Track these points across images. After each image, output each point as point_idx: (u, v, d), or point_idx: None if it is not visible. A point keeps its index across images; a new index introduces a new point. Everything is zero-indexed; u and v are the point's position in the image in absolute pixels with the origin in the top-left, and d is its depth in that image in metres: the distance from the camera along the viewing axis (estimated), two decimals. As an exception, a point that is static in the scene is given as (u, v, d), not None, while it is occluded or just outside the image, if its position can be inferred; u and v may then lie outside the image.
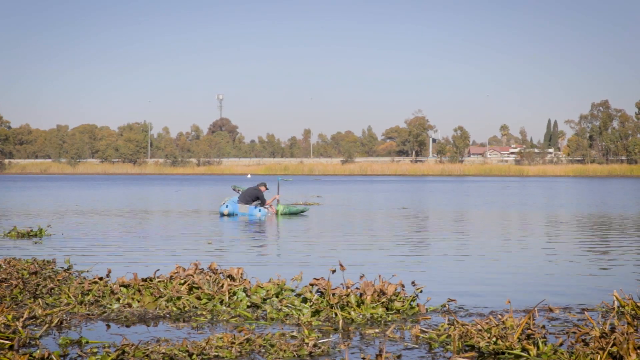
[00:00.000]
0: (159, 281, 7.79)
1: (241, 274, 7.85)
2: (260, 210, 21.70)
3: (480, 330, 5.96)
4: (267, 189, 22.37)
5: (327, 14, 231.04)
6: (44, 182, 64.97)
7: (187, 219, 20.93)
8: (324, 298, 7.10)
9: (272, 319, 6.89)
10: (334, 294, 7.06)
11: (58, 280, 8.32)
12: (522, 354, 5.65)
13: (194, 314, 7.07)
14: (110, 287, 7.65)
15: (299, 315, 6.92)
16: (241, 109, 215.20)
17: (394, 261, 11.49)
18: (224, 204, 21.88)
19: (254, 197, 21.97)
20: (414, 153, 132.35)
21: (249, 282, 7.76)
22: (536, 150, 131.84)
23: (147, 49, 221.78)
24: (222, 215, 21.59)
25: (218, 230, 17.48)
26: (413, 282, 7.51)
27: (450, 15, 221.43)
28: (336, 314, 6.85)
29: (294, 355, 5.65)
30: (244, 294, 7.48)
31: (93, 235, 15.38)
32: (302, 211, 22.65)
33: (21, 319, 6.26)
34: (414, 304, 7.27)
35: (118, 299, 7.44)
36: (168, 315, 7.04)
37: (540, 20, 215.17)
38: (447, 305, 7.37)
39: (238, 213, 21.65)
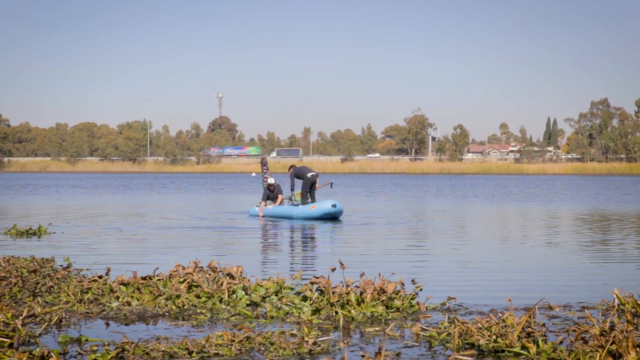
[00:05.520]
0: (158, 279, 7.78)
1: (240, 272, 7.84)
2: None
3: (480, 328, 5.95)
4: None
5: (327, 13, 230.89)
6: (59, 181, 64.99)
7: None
8: (324, 296, 7.10)
9: (272, 317, 6.88)
10: (334, 292, 7.05)
11: (57, 278, 8.31)
12: (522, 352, 5.64)
13: (194, 312, 7.06)
14: (110, 285, 7.64)
15: (299, 313, 6.92)
16: (241, 107, 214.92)
17: (393, 260, 11.48)
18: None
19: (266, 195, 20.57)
20: (413, 151, 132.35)
21: (249, 280, 7.75)
22: (535, 149, 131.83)
23: (146, 48, 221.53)
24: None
25: (213, 229, 17.48)
26: (413, 281, 7.50)
27: (450, 14, 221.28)
28: (336, 312, 6.85)
29: (294, 353, 5.64)
30: (243, 292, 7.47)
31: (92, 234, 15.37)
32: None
33: (20, 317, 6.25)
34: (414, 302, 7.27)
35: (117, 297, 7.44)
36: (167, 314, 7.03)
37: (540, 19, 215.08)
38: (447, 304, 7.36)
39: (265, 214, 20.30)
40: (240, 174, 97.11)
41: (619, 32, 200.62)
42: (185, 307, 7.20)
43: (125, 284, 7.68)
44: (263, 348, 5.75)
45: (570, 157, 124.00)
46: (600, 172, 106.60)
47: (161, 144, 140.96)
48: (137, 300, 7.35)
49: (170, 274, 7.87)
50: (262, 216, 20.16)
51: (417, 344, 5.99)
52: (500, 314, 6.28)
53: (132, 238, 14.62)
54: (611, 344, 5.29)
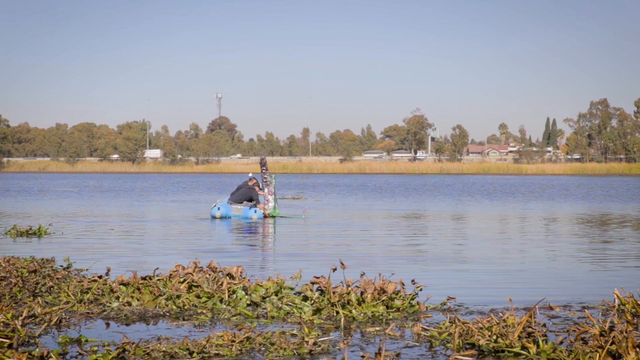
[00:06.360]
0: (159, 279, 7.77)
1: (240, 272, 7.83)
2: (256, 212, 19.98)
3: (480, 328, 5.95)
4: (260, 188, 20.53)
5: (326, 14, 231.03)
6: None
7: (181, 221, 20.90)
8: (324, 296, 7.09)
9: (272, 317, 6.88)
10: (334, 292, 7.05)
11: (57, 278, 8.30)
12: (522, 352, 5.64)
13: (194, 313, 7.05)
14: (110, 285, 7.63)
15: (300, 313, 6.91)
16: (240, 108, 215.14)
17: (393, 259, 11.48)
18: (215, 205, 20.22)
19: (248, 197, 20.24)
20: (412, 151, 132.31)
21: (249, 280, 7.74)
22: (535, 149, 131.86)
23: (146, 48, 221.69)
24: (214, 218, 19.84)
25: (215, 230, 17.47)
26: (413, 281, 7.50)
27: (449, 14, 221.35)
28: (337, 312, 6.84)
29: (294, 354, 5.64)
30: (243, 293, 7.46)
31: (92, 234, 15.36)
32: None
33: (20, 318, 6.24)
34: (414, 302, 7.27)
35: (117, 298, 7.43)
36: (168, 314, 7.02)
37: (539, 19, 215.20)
38: (447, 304, 7.36)
39: (231, 215, 20.00)
40: (239, 174, 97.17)
41: (618, 33, 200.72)
42: (185, 307, 7.19)
43: (126, 284, 7.67)
44: (264, 348, 5.74)
45: (569, 157, 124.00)
46: (599, 173, 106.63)
47: (160, 144, 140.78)
48: (138, 300, 7.34)
49: (170, 274, 7.86)
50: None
51: (417, 343, 5.99)
52: (500, 314, 6.28)
53: (132, 238, 14.61)
54: (611, 344, 5.28)
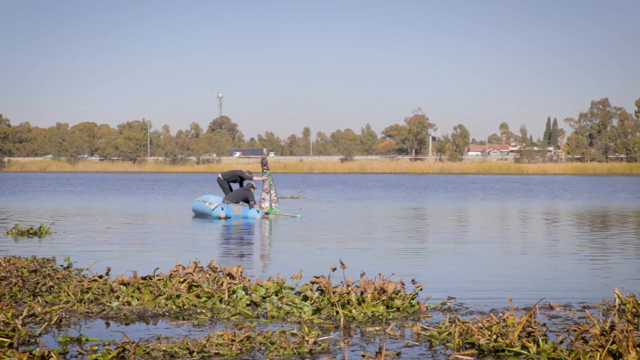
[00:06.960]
0: (159, 279, 7.78)
1: (240, 272, 7.83)
2: (258, 212, 19.89)
3: (480, 327, 5.95)
4: (255, 188, 20.51)
5: (326, 14, 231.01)
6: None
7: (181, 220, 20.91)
8: (324, 296, 7.09)
9: (272, 317, 6.88)
10: (334, 292, 7.05)
11: (57, 278, 8.31)
12: (522, 351, 5.64)
13: (194, 312, 7.06)
14: (110, 285, 7.64)
15: (300, 313, 6.92)
16: (241, 107, 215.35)
17: (393, 259, 11.48)
18: (217, 206, 19.81)
19: (244, 197, 20.19)
20: (413, 151, 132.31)
21: (249, 280, 7.75)
22: (535, 149, 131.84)
23: (146, 47, 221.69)
24: (219, 218, 19.53)
25: (213, 229, 17.48)
26: (413, 280, 7.50)
27: (449, 14, 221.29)
28: (337, 312, 6.85)
29: (294, 353, 5.64)
30: (243, 292, 7.47)
31: (93, 234, 15.37)
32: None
33: (21, 317, 6.24)
34: (414, 302, 7.27)
35: (117, 297, 7.43)
36: (167, 314, 7.03)
37: (540, 19, 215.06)
38: (447, 303, 7.36)
39: (231, 215, 19.77)
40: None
41: (618, 33, 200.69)
42: (185, 307, 7.20)
43: (126, 284, 7.67)
44: (264, 347, 5.75)
45: (570, 157, 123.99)
46: (600, 172, 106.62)
47: (161, 144, 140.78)
48: (138, 300, 7.35)
49: (171, 274, 7.87)
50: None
51: (417, 343, 5.99)
52: (500, 314, 6.28)
53: (132, 238, 14.62)
54: (611, 344, 5.28)
